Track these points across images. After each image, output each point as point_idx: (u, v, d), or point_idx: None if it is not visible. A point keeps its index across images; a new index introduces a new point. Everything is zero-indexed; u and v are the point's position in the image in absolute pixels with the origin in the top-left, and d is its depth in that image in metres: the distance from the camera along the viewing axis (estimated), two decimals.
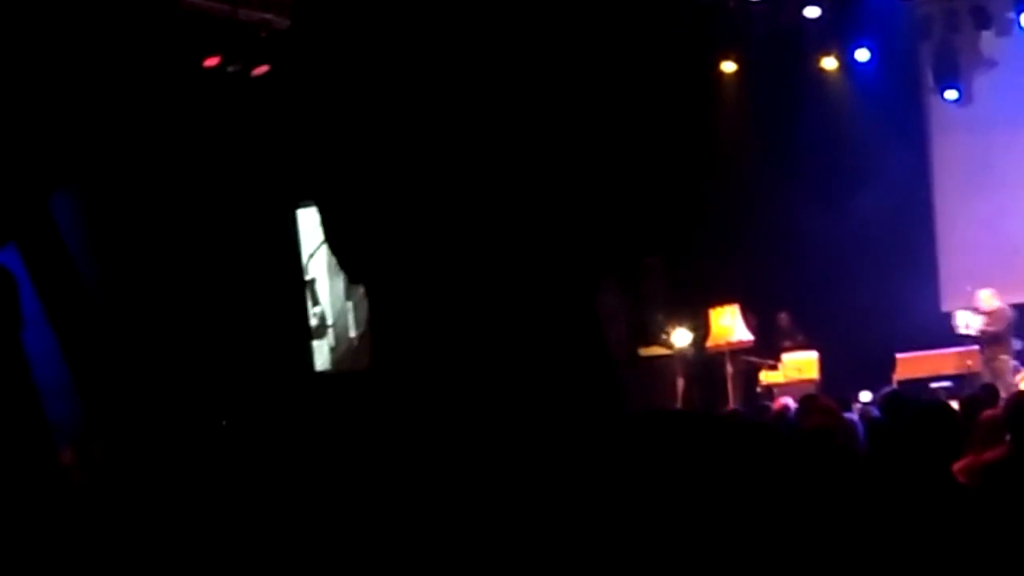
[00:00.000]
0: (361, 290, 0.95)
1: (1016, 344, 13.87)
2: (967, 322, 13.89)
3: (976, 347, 13.89)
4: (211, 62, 12.58)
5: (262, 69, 12.80)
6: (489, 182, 0.86)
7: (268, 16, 12.47)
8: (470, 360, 0.89)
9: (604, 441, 0.93)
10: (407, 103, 0.87)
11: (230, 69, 12.75)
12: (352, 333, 13.73)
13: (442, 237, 0.87)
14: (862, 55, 15.54)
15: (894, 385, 13.02)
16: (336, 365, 13.63)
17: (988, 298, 13.97)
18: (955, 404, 7.34)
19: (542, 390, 0.90)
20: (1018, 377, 13.24)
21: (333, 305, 14.13)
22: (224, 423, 6.58)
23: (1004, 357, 13.74)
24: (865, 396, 11.66)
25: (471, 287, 0.87)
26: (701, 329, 14.62)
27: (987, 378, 13.14)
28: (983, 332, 13.83)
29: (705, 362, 14.68)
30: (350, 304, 13.75)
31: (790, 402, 10.27)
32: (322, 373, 13.68)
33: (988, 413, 6.62)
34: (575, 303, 0.92)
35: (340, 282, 13.81)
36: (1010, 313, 13.90)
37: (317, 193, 0.94)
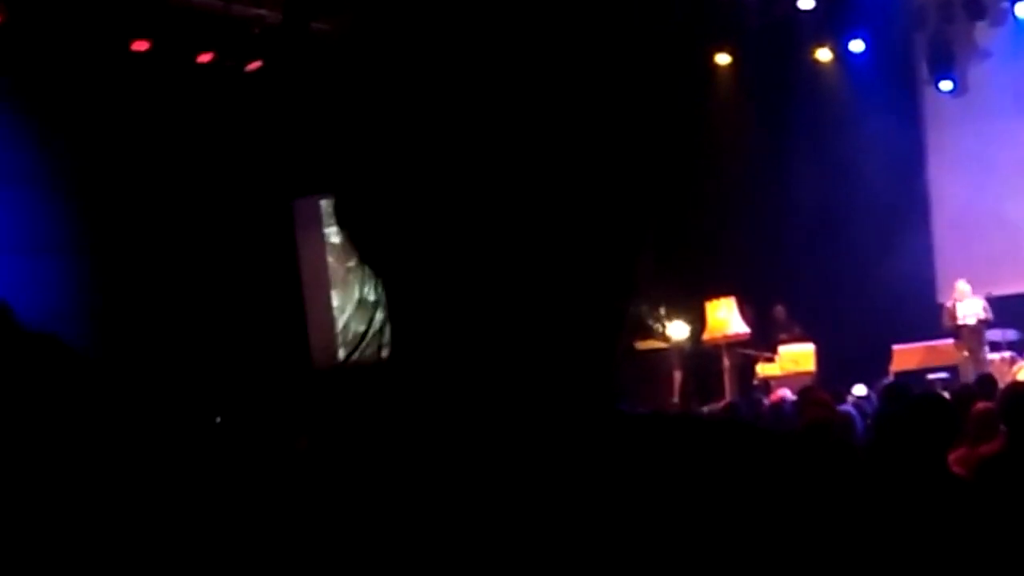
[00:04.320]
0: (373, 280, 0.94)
1: (1012, 335, 13.81)
2: (973, 311, 13.63)
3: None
4: (205, 58, 12.59)
5: (256, 65, 12.83)
6: (507, 175, 0.86)
7: (261, 12, 12.47)
8: (488, 354, 0.89)
9: (612, 441, 0.92)
10: (428, 98, 0.87)
11: (224, 65, 12.77)
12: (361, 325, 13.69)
13: (461, 227, 0.87)
14: (856, 46, 15.51)
15: (891, 377, 13.00)
16: (345, 357, 13.60)
17: (970, 288, 13.86)
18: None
19: (559, 385, 0.90)
20: (1015, 368, 13.17)
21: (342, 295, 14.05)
22: (218, 420, 6.57)
23: (985, 347, 13.64)
24: (859, 390, 11.63)
25: (490, 280, 0.87)
26: (697, 322, 14.61)
27: (971, 371, 13.10)
28: (984, 320, 13.66)
29: (702, 355, 14.67)
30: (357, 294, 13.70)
31: (787, 394, 10.26)
32: (333, 366, 13.64)
33: (982, 405, 6.59)
34: (596, 298, 0.92)
35: (350, 271, 13.75)
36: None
37: (335, 183, 0.94)
